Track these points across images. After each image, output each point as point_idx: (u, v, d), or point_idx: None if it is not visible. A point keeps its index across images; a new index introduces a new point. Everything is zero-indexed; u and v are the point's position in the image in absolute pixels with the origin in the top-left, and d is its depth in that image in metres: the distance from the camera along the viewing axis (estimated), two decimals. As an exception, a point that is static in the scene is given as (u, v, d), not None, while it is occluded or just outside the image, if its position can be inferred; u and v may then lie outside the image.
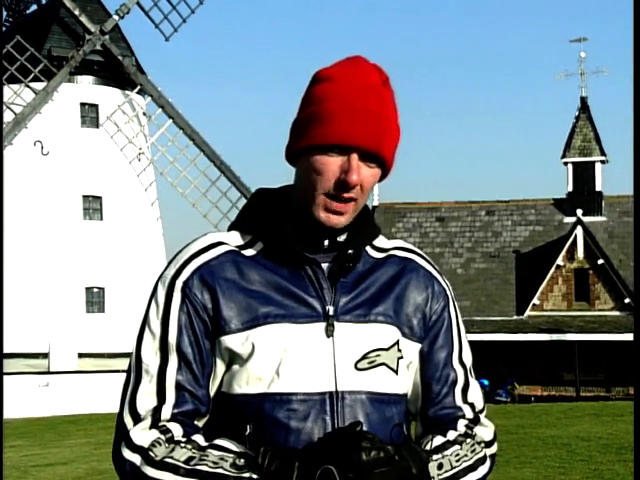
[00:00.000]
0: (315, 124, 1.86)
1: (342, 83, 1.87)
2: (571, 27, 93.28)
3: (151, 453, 1.81)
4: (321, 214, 1.87)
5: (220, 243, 1.93)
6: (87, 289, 33.85)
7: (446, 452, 1.91)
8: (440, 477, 1.88)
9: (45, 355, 30.58)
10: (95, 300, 34.03)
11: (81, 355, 31.03)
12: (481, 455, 1.97)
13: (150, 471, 1.80)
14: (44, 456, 16.00)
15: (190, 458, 1.79)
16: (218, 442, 1.83)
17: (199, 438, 1.83)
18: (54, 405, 28.66)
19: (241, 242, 1.94)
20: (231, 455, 1.80)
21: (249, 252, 1.93)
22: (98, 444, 17.13)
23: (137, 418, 1.85)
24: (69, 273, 33.34)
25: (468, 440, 1.96)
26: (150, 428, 1.84)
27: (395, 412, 1.95)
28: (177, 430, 1.83)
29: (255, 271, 1.90)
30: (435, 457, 1.89)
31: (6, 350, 27.85)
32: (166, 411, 1.85)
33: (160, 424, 1.84)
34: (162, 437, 1.83)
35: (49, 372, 30.16)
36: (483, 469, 1.96)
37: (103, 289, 34.04)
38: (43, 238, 33.31)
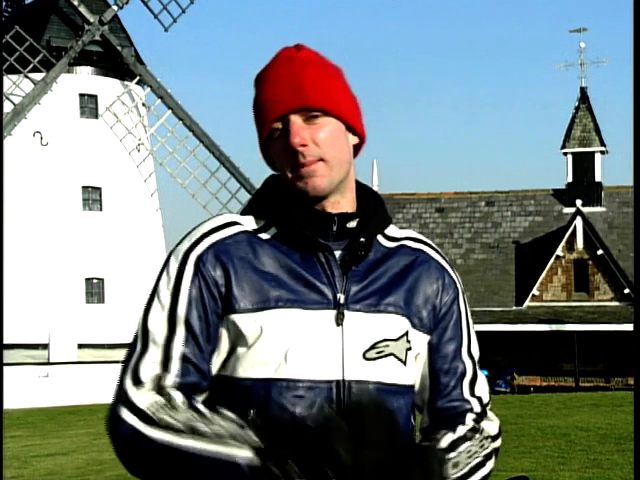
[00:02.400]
0: (256, 118, 1.94)
1: (263, 72, 1.94)
2: (571, 17, 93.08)
3: (151, 414, 1.77)
4: (299, 184, 1.88)
5: (235, 223, 1.93)
6: (87, 280, 33.86)
7: (459, 449, 1.91)
8: (454, 476, 1.88)
9: (45, 346, 30.61)
10: (95, 291, 34.04)
11: (81, 346, 31.06)
12: (489, 451, 1.97)
13: (149, 431, 1.75)
14: (44, 446, 16.02)
15: (189, 419, 1.75)
16: (219, 409, 1.79)
17: (200, 406, 1.79)
18: (54, 396, 28.69)
19: (255, 226, 1.94)
20: (231, 417, 1.75)
21: (263, 236, 1.92)
22: (98, 434, 17.16)
23: (139, 383, 1.82)
24: (69, 264, 33.34)
25: (477, 436, 1.96)
26: (151, 391, 1.81)
27: (403, 403, 1.95)
28: (179, 397, 1.80)
29: (269, 253, 1.90)
30: (451, 455, 1.89)
31: (6, 341, 27.88)
32: (169, 379, 1.82)
33: (162, 390, 1.81)
34: (163, 400, 1.79)
35: (49, 363, 30.19)
36: (490, 464, 1.97)
37: (103, 280, 34.04)
38: (42, 229, 33.30)
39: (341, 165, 1.90)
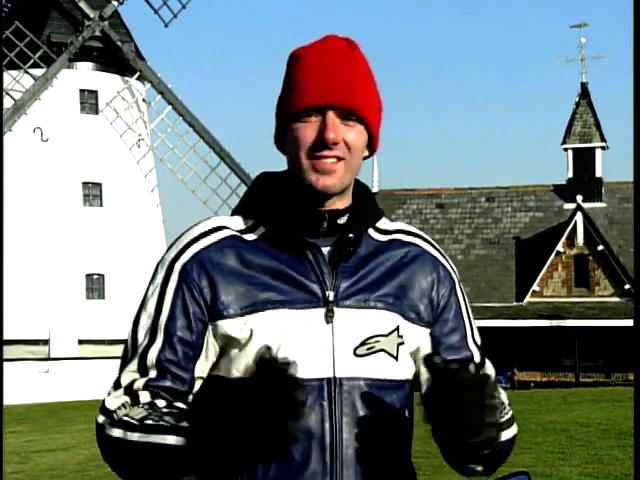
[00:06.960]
0: (288, 95, 1.90)
1: (310, 54, 1.91)
2: (571, 13, 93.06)
3: (114, 414, 1.86)
4: (311, 177, 1.87)
5: (222, 227, 1.93)
6: (87, 276, 33.87)
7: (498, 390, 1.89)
8: (502, 419, 1.88)
9: (45, 341, 30.65)
10: (95, 287, 34.05)
11: (81, 341, 31.10)
12: (509, 416, 1.98)
13: (108, 429, 1.86)
14: (45, 442, 16.04)
15: (143, 417, 1.82)
16: (174, 402, 1.85)
17: (160, 402, 1.85)
18: (54, 391, 28.74)
19: (243, 226, 1.94)
20: (176, 410, 1.81)
21: (250, 236, 1.93)
22: (99, 430, 17.15)
23: (118, 388, 1.91)
24: (69, 260, 33.34)
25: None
26: (123, 395, 1.88)
27: (396, 398, 1.94)
28: (145, 397, 1.86)
29: (255, 256, 1.90)
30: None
31: (6, 337, 27.89)
32: (142, 381, 1.88)
33: (132, 391, 1.88)
34: (129, 401, 1.86)
35: (49, 358, 30.24)
36: (514, 429, 2.00)
37: (103, 276, 34.05)
38: (43, 225, 33.30)
39: (354, 172, 1.92)
